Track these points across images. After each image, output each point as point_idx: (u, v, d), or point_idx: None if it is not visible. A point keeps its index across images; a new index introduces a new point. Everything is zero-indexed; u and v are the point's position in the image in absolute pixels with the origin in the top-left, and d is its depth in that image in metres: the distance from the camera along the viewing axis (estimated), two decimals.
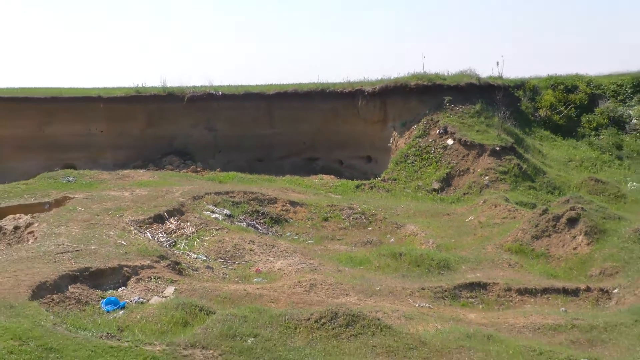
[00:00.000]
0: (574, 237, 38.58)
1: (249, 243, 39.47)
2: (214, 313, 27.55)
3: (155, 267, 34.13)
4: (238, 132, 68.02)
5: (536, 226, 40.16)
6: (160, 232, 41.08)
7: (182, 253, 38.48)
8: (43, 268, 32.62)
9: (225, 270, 36.92)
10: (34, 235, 39.70)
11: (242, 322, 25.84)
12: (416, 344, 24.70)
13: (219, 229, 42.10)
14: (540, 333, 27.76)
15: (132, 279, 33.11)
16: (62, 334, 25.02)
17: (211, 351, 24.05)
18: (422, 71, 66.75)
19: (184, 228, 41.67)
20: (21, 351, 22.48)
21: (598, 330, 27.31)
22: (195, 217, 43.74)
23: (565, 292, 32.68)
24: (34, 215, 44.08)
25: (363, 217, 48.38)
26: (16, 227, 42.20)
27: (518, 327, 28.08)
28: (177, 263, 36.13)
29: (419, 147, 59.92)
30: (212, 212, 45.80)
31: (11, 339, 23.19)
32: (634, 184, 57.58)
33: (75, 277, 32.02)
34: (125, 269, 33.42)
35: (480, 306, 31.37)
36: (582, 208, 39.48)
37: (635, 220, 40.98)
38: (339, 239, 44.91)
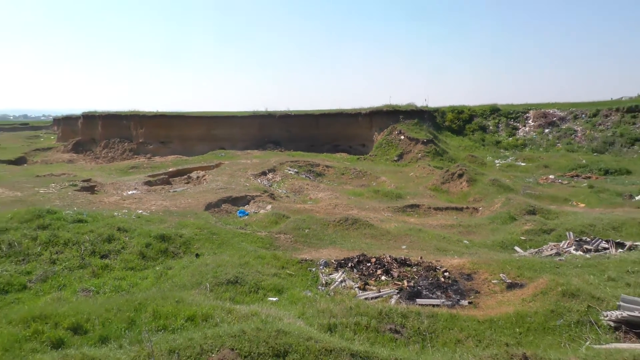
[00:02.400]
0: (461, 183, 65.03)
1: (306, 185, 64.38)
2: (289, 217, 46.16)
3: (262, 196, 55.95)
4: (301, 132, 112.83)
5: (443, 177, 67.41)
6: (265, 179, 65.27)
7: (275, 189, 60.51)
8: (210, 196, 52.50)
9: (295, 198, 58.77)
10: (206, 180, 64.57)
11: (302, 221, 43.36)
12: (385, 233, 39.82)
13: (292, 178, 66.44)
14: (444, 228, 41.93)
15: (251, 201, 54.56)
16: (219, 226, 41.51)
17: (289, 235, 38.85)
18: (389, 103, 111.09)
19: (275, 178, 66.60)
20: (200, 234, 37.79)
21: (472, 227, 42.17)
22: (281, 173, 69.22)
23: (456, 209, 53.99)
24: (206, 171, 71.91)
25: (360, 173, 75.84)
26: (197, 177, 68.62)
27: (433, 225, 43.33)
28: (272, 194, 57.64)
29: (387, 140, 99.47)
30: (289, 170, 71.78)
31: (196, 228, 39.28)
32: (489, 157, 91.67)
33: (225, 200, 53.04)
34: (248, 196, 55.06)
35: (416, 215, 50.34)
36: (465, 169, 66.37)
37: (490, 175, 65.85)
38: (349, 184, 69.93)
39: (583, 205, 49.34)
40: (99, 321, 17.48)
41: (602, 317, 16.62)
